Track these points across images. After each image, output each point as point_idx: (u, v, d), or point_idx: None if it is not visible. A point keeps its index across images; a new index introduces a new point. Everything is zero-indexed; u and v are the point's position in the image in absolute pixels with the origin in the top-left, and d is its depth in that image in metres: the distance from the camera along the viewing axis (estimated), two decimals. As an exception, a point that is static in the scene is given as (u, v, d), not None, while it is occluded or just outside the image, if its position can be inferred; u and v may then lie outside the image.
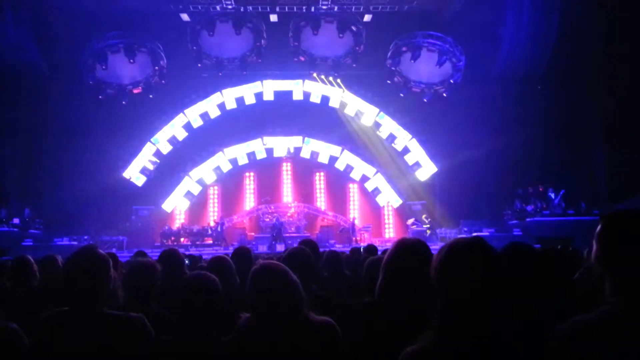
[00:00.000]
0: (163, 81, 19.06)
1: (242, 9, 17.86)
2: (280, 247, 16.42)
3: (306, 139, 20.17)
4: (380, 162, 20.51)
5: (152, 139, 19.62)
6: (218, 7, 17.73)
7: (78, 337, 2.20)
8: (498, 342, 1.50)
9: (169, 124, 19.84)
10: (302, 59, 18.99)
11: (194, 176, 20.08)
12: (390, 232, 20.46)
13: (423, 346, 1.58)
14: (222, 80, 19.74)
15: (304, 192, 20.98)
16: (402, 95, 19.37)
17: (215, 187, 20.88)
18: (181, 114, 19.90)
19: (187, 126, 19.95)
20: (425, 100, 19.27)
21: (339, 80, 20.06)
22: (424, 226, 18.41)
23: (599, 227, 1.65)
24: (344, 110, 20.34)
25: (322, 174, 21.26)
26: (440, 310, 1.60)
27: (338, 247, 15.32)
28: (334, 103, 20.22)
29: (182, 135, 19.95)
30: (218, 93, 19.99)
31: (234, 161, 20.30)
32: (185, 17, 18.28)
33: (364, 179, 20.64)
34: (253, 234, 19.64)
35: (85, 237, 16.99)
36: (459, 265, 1.59)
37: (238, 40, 18.21)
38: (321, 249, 5.07)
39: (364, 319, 2.32)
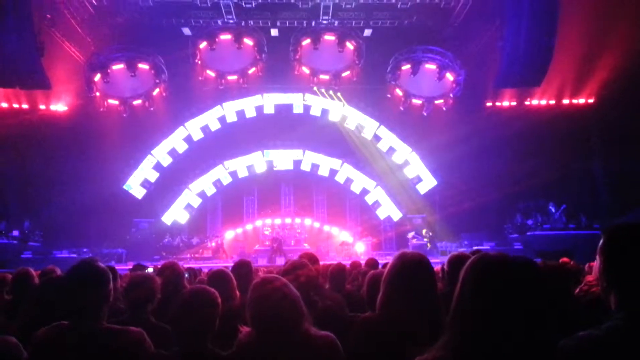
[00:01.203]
0: (164, 94, 19.16)
1: (243, 24, 18.01)
2: (280, 260, 16.35)
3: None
4: (380, 176, 20.51)
5: (152, 152, 19.65)
6: (219, 22, 17.88)
7: (77, 351, 2.19)
8: (513, 355, 1.48)
9: (170, 137, 19.89)
10: (303, 72, 19.12)
11: (194, 189, 20.07)
12: (391, 246, 20.39)
13: (437, 355, 1.55)
14: (223, 94, 19.82)
15: (304, 205, 20.95)
16: (402, 109, 19.45)
17: (215, 200, 20.86)
18: (182, 127, 19.95)
19: (188, 139, 19.99)
20: (425, 113, 19.34)
21: (339, 94, 20.14)
22: (424, 240, 18.35)
23: (601, 241, 1.64)
24: (344, 124, 20.40)
25: (322, 187, 21.25)
26: (460, 320, 1.55)
27: (338, 261, 15.24)
28: (334, 116, 20.29)
29: (182, 147, 19.97)
30: (219, 106, 20.05)
31: (234, 174, 20.31)
32: (186, 31, 18.43)
33: (364, 192, 20.63)
34: (253, 247, 19.57)
35: (85, 250, 16.92)
36: (494, 282, 1.54)
37: (239, 54, 18.33)
38: (321, 263, 5.05)
39: (365, 333, 2.30)
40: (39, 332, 2.27)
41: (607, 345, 1.45)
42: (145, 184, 19.46)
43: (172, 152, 19.87)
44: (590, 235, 15.24)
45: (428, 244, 18.17)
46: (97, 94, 18.24)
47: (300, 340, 2.13)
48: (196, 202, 20.15)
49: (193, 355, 2.20)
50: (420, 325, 2.06)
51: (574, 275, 4.40)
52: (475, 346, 1.49)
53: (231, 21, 17.82)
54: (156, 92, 18.94)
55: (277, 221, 20.41)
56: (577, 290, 4.12)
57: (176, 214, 19.91)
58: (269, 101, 20.14)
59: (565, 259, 5.51)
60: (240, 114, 20.10)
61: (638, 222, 1.60)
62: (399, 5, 17.07)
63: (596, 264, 1.66)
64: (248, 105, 20.09)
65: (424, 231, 18.72)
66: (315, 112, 20.24)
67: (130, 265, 9.40)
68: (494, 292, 1.51)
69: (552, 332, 1.61)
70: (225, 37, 17.97)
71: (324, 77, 19.27)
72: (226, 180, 20.26)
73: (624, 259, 1.55)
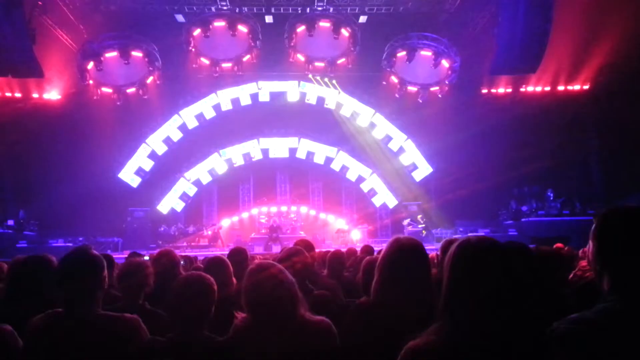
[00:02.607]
0: (158, 82, 19.00)
1: (237, 10, 17.83)
2: (276, 248, 16.42)
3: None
4: (376, 163, 20.53)
5: (146, 140, 19.56)
6: (213, 8, 17.69)
7: (73, 339, 2.19)
8: (504, 339, 1.50)
9: (164, 125, 19.79)
10: (298, 60, 18.99)
11: (189, 177, 20.02)
12: (386, 233, 20.48)
13: (429, 340, 1.57)
14: (218, 81, 19.69)
15: (300, 192, 20.97)
16: (397, 96, 19.40)
17: (211, 188, 20.84)
18: (176, 115, 19.84)
19: (183, 127, 19.89)
20: (420, 101, 19.30)
21: (334, 81, 20.06)
22: (420, 226, 18.42)
23: (594, 225, 1.65)
24: (340, 111, 20.35)
25: (317, 174, 21.26)
26: (450, 305, 1.58)
27: (333, 248, 15.30)
28: (329, 104, 20.22)
29: (177, 136, 19.89)
30: (213, 94, 19.93)
31: (229, 162, 20.27)
32: (180, 18, 18.23)
33: (360, 179, 20.65)
34: (249, 234, 19.61)
35: (80, 239, 16.91)
36: (475, 261, 1.58)
37: (233, 41, 18.18)
38: (317, 250, 5.06)
39: (360, 318, 2.31)
40: (33, 319, 2.27)
41: (599, 328, 1.46)
42: (140, 172, 19.40)
43: (167, 141, 19.79)
44: (585, 221, 15.32)
45: (423, 231, 18.25)
46: (91, 82, 18.07)
47: (295, 325, 2.14)
48: (192, 190, 20.12)
49: (189, 341, 2.21)
50: (414, 310, 2.07)
51: (568, 260, 4.42)
52: (464, 330, 1.51)
53: (225, 8, 17.64)
54: (150, 80, 18.77)
55: (273, 209, 20.44)
56: (571, 275, 4.16)
57: (172, 203, 19.89)
58: (264, 89, 20.04)
59: (559, 245, 5.54)
60: (235, 101, 20.00)
61: (629, 205, 1.61)
62: (394, -8, 16.96)
63: (589, 247, 1.67)
64: (243, 93, 19.99)
65: (419, 217, 18.78)
66: (310, 99, 20.16)
67: (126, 254, 9.41)
68: (475, 275, 1.55)
69: (542, 315, 1.63)
70: (219, 24, 17.78)
71: (319, 64, 19.14)
72: (222, 168, 20.22)
73: (616, 242, 1.56)
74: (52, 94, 18.51)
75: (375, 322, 2.22)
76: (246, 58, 18.88)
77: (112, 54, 17.77)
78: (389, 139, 20.26)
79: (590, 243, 1.65)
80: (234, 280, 3.36)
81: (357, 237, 19.20)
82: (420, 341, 1.58)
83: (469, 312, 1.54)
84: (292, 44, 18.35)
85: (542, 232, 15.88)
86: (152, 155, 19.61)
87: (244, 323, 2.16)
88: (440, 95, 19.06)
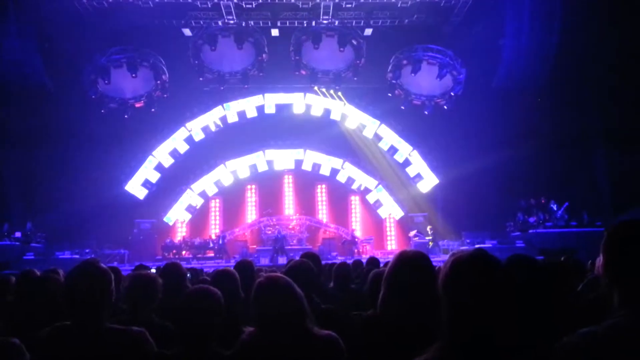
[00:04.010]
0: (165, 95, 19.18)
1: (243, 24, 18.01)
2: (282, 260, 16.35)
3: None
4: (381, 174, 20.52)
5: (153, 152, 19.67)
6: (220, 22, 17.89)
7: (80, 352, 2.19)
8: (504, 354, 1.49)
9: (171, 138, 19.91)
10: (304, 72, 19.12)
11: (195, 189, 20.09)
12: (392, 244, 20.39)
13: (433, 357, 1.56)
14: (224, 94, 19.85)
15: (306, 204, 20.95)
16: (403, 108, 19.45)
17: (217, 200, 20.87)
18: (183, 128, 19.98)
19: (189, 139, 20.01)
20: (426, 112, 19.33)
21: (340, 94, 20.16)
22: (427, 238, 18.33)
23: (604, 238, 1.64)
24: (345, 123, 20.41)
25: (323, 186, 21.25)
26: (446, 322, 1.58)
27: (340, 260, 15.25)
28: (335, 116, 20.30)
29: (183, 148, 20.01)
30: (220, 106, 20.09)
31: (235, 174, 20.33)
32: (187, 32, 18.43)
33: (366, 191, 20.63)
34: (255, 246, 19.57)
35: (87, 251, 16.94)
36: (463, 276, 1.58)
37: (240, 54, 18.36)
38: (323, 262, 5.05)
39: (366, 332, 2.30)
40: (41, 332, 2.28)
41: (607, 343, 1.44)
42: (146, 184, 19.50)
43: (174, 153, 19.90)
44: (593, 232, 15.21)
45: (430, 243, 18.16)
46: (99, 95, 18.25)
47: (303, 339, 2.13)
48: (198, 202, 20.18)
49: (196, 354, 2.21)
50: (420, 323, 2.06)
51: (576, 272, 4.39)
52: (465, 347, 1.51)
53: (232, 22, 17.83)
54: (157, 93, 18.95)
55: (279, 221, 20.40)
56: (580, 287, 4.12)
57: (178, 214, 19.94)
58: (270, 101, 20.17)
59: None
60: (242, 114, 20.13)
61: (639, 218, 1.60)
62: (399, 4, 17.06)
63: (599, 261, 1.66)
64: (249, 105, 20.12)
65: (428, 228, 18.66)
66: (316, 111, 20.26)
67: (132, 266, 9.42)
68: (470, 293, 1.54)
69: (549, 329, 1.62)
70: (226, 37, 17.98)
71: (325, 76, 19.26)
72: (227, 180, 20.28)
73: (626, 256, 1.55)
74: (60, 107, 18.64)
75: (381, 335, 2.20)
76: (252, 71, 19.03)
77: (119, 68, 17.96)
78: (394, 150, 20.26)
79: (601, 256, 1.63)
80: (242, 293, 3.35)
81: (363, 249, 19.10)
82: (427, 356, 1.57)
83: (469, 328, 1.53)
84: (297, 56, 18.50)
85: (550, 243, 15.76)
86: (159, 167, 19.72)
87: (251, 336, 2.15)
88: (445, 107, 19.07)
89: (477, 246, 13.74)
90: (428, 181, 20.00)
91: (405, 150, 20.18)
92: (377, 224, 20.91)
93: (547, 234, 16.52)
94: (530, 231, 17.00)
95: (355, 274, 5.75)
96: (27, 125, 16.89)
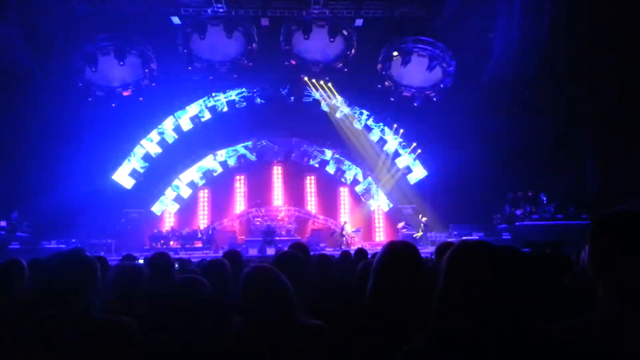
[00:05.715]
0: (153, 84, 18.95)
1: (233, 13, 17.84)
2: (270, 251, 16.37)
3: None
4: (370, 166, 20.57)
5: (141, 142, 19.50)
6: (209, 11, 17.69)
7: (66, 341, 2.17)
8: (496, 343, 1.50)
9: (159, 127, 19.74)
10: (293, 62, 19.00)
11: (183, 179, 19.99)
12: (381, 236, 20.50)
13: (422, 345, 1.57)
14: (213, 84, 19.68)
15: (295, 195, 20.95)
16: (392, 99, 19.45)
17: (205, 190, 20.79)
18: (171, 117, 19.81)
19: (177, 129, 19.86)
20: (415, 104, 19.36)
21: (330, 84, 20.10)
22: (420, 229, 18.43)
23: (591, 227, 1.65)
24: (335, 114, 20.39)
25: (312, 177, 21.26)
26: (442, 309, 1.58)
27: (329, 251, 15.29)
28: (324, 107, 20.26)
29: (172, 138, 19.86)
30: (208, 96, 19.93)
31: (224, 164, 20.23)
32: (176, 20, 18.20)
33: (355, 182, 20.67)
34: (243, 237, 19.55)
35: (73, 240, 16.77)
36: (468, 265, 1.59)
37: (229, 43, 18.19)
38: (312, 253, 5.05)
39: (355, 322, 2.31)
40: (27, 322, 2.25)
41: (592, 333, 1.46)
42: (134, 174, 19.35)
43: (162, 142, 19.75)
44: (579, 225, 15.39)
45: (420, 232, 18.29)
46: (86, 83, 18.01)
47: (291, 329, 2.13)
48: (186, 192, 20.09)
49: (184, 343, 2.20)
50: (409, 313, 2.07)
51: (562, 264, 4.44)
52: (457, 335, 1.52)
53: (221, 10, 17.64)
54: (145, 81, 18.73)
55: (268, 212, 20.39)
56: (566, 279, 4.17)
57: (166, 204, 19.83)
58: (260, 91, 20.04)
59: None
60: (231, 104, 20.00)
61: (625, 210, 1.61)
62: (390, -4, 17.02)
63: (585, 252, 1.67)
64: (238, 95, 19.99)
65: (423, 218, 18.68)
66: (305, 102, 20.18)
67: (120, 256, 9.36)
68: (471, 280, 1.55)
69: (536, 319, 1.63)
70: (215, 26, 17.79)
71: (315, 67, 19.18)
72: (216, 170, 20.19)
73: (611, 247, 1.56)
74: (46, 95, 18.37)
75: (370, 326, 2.21)
76: (242, 60, 18.88)
77: (107, 56, 17.71)
78: (383, 142, 20.31)
79: (587, 247, 1.65)
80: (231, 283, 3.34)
81: (351, 240, 19.16)
82: (414, 346, 1.58)
83: (463, 316, 1.54)
84: (287, 46, 18.38)
85: (536, 236, 15.91)
86: (147, 157, 19.55)
87: (239, 327, 2.15)
88: (435, 99, 19.12)
89: (463, 238, 13.85)
90: (417, 173, 20.09)
91: (394, 142, 20.24)
92: (365, 216, 20.98)
93: (534, 227, 16.69)
94: (517, 223, 17.16)
95: (343, 264, 5.77)
96: (12, 113, 16.63)
